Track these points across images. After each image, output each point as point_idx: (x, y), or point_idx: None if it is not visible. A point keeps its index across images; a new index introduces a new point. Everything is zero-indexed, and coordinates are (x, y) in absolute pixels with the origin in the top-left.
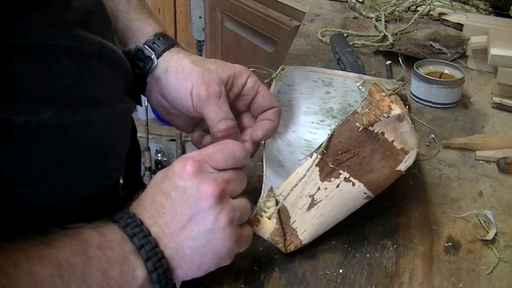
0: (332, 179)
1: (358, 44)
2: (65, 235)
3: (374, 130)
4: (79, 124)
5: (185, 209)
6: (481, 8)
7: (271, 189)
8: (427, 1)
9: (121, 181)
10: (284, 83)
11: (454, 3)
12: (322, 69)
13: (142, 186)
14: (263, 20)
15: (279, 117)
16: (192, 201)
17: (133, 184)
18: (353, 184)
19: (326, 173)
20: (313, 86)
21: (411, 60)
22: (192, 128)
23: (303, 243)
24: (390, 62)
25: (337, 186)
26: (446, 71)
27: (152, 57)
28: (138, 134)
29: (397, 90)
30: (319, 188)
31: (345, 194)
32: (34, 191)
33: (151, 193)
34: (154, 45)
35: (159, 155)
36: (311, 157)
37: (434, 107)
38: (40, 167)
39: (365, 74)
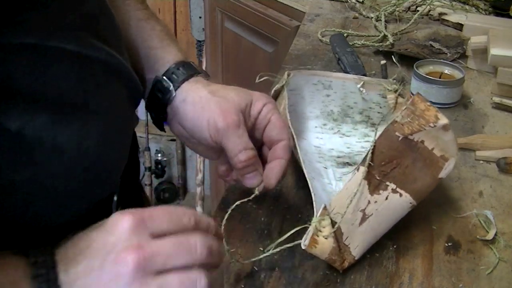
0: (380, 191)
1: (358, 44)
2: None
3: (413, 138)
4: (74, 134)
5: (96, 264)
6: (481, 8)
7: (325, 207)
8: (427, 1)
9: (115, 198)
10: (287, 88)
11: (454, 3)
12: (321, 71)
13: (142, 204)
14: (263, 20)
15: (288, 152)
16: (106, 259)
17: (130, 202)
18: (400, 195)
19: (374, 186)
20: (313, 89)
21: (411, 60)
22: (216, 155)
23: (355, 258)
24: (384, 62)
25: (386, 198)
26: (446, 71)
27: (171, 88)
28: (138, 134)
29: (399, 91)
30: (369, 202)
31: (393, 205)
32: (19, 201)
33: (80, 236)
34: (173, 75)
35: (159, 155)
36: (358, 170)
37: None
38: (28, 177)
39: (365, 74)
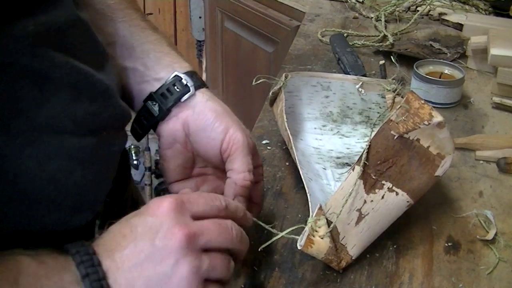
0: (376, 190)
1: (358, 44)
2: None
3: (409, 137)
4: (33, 156)
5: (146, 245)
6: (481, 8)
7: (320, 207)
8: (427, 1)
9: (98, 222)
10: (285, 90)
11: (454, 3)
12: (320, 73)
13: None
14: (263, 20)
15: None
16: (155, 238)
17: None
18: (397, 193)
19: (370, 185)
20: (312, 91)
21: (411, 60)
22: (177, 177)
23: (353, 258)
24: (383, 62)
25: (382, 197)
26: (446, 71)
27: (190, 85)
28: None
29: (398, 91)
30: (365, 201)
31: (390, 204)
32: None
33: (118, 226)
34: (193, 77)
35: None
36: (353, 170)
37: (434, 107)
38: None
39: (365, 74)
